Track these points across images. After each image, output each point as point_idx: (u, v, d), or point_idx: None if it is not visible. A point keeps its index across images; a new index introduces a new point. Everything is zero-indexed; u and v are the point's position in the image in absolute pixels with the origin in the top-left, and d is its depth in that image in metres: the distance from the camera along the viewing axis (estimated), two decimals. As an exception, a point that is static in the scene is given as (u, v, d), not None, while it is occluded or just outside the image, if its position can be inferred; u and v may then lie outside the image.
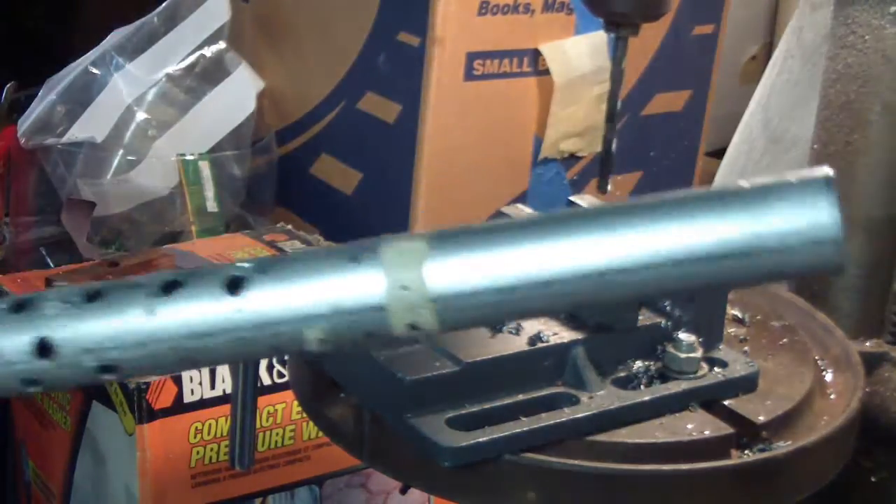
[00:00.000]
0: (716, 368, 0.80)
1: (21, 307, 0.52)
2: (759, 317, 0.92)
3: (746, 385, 0.80)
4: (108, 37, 1.66)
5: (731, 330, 0.88)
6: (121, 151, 1.63)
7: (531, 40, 1.88)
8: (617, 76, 0.97)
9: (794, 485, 0.75)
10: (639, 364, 0.79)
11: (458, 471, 0.70)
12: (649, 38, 2.05)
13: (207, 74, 1.69)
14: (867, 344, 1.07)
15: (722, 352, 0.82)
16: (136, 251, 1.42)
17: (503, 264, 0.46)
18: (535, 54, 1.90)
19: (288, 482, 1.18)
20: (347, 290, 0.48)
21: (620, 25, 0.95)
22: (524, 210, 0.88)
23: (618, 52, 0.98)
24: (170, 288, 0.51)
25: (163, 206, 1.65)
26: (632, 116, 2.05)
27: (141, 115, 1.64)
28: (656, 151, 2.14)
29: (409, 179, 1.75)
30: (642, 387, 0.77)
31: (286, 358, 1.12)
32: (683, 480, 0.71)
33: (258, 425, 1.13)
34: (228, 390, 1.12)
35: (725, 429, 0.76)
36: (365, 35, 1.67)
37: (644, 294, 0.44)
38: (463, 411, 0.73)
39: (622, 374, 0.79)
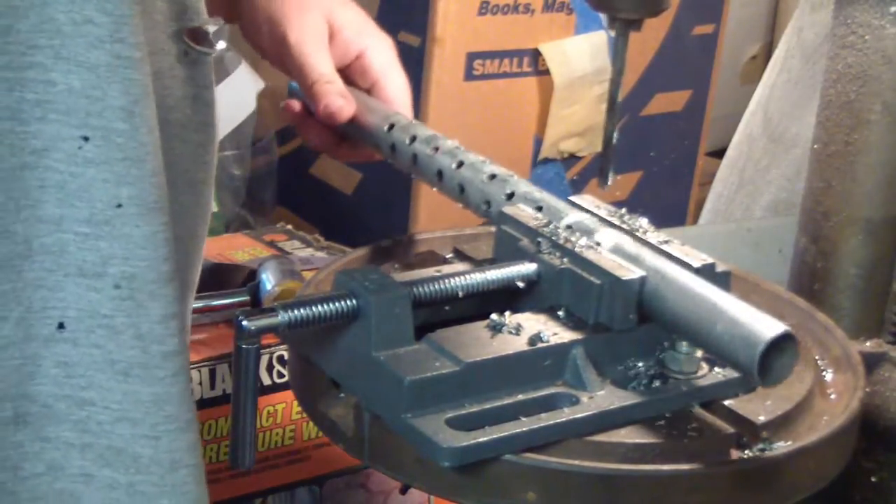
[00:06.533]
0: (716, 368, 0.80)
1: None
2: (759, 317, 0.92)
3: (746, 385, 0.80)
4: (108, 36, 1.66)
5: (731, 330, 0.88)
6: (121, 151, 1.62)
7: (531, 40, 1.88)
8: (618, 66, 0.96)
9: (794, 485, 0.75)
10: (639, 364, 0.79)
11: (458, 471, 0.70)
12: (649, 38, 2.05)
13: (207, 74, 1.69)
14: (867, 344, 1.07)
15: (722, 352, 0.82)
16: (136, 251, 1.42)
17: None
18: (535, 54, 1.90)
19: (288, 482, 1.18)
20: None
21: (621, 21, 0.94)
22: (525, 210, 0.87)
23: (618, 49, 0.97)
24: None
25: (163, 206, 1.65)
26: (632, 116, 2.05)
27: (141, 115, 1.63)
28: (656, 151, 2.14)
29: (409, 179, 1.75)
30: (642, 387, 0.77)
31: (286, 358, 1.12)
32: (683, 480, 0.71)
33: (258, 425, 1.13)
34: (228, 390, 1.12)
35: (725, 429, 0.75)
36: (365, 35, 1.67)
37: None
38: (463, 411, 0.73)
39: (622, 374, 0.78)
